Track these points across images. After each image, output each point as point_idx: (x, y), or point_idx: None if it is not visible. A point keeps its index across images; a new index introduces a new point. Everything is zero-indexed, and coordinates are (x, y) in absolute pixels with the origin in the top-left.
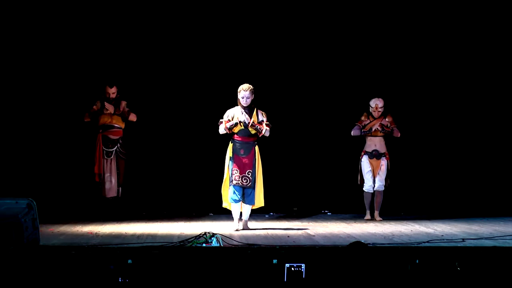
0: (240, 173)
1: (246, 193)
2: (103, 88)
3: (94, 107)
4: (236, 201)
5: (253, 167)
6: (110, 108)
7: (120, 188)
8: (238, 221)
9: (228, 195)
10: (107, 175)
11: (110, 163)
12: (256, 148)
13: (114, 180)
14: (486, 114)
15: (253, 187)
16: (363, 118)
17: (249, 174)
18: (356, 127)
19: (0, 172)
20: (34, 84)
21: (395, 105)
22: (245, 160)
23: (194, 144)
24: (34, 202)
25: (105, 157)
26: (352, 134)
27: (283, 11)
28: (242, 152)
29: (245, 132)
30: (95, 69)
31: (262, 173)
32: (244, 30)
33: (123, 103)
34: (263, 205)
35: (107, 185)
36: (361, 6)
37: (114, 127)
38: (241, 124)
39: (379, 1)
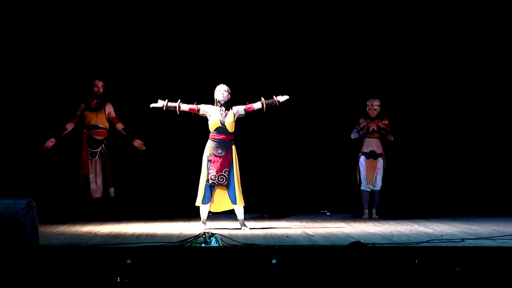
0: (217, 172)
1: (231, 196)
2: (90, 83)
3: (78, 112)
4: (206, 202)
5: (230, 165)
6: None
7: (112, 189)
8: (205, 220)
9: (201, 195)
10: (91, 176)
11: (95, 164)
12: (233, 147)
13: (99, 181)
14: (485, 113)
15: (229, 185)
16: (361, 120)
17: (225, 173)
18: (355, 130)
19: (0, 172)
20: (33, 84)
21: (393, 105)
22: (222, 159)
23: (194, 143)
24: (33, 202)
25: (90, 157)
26: (352, 137)
27: (280, 11)
28: (219, 151)
29: (222, 130)
30: (88, 70)
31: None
32: (237, 29)
33: (110, 106)
34: (243, 204)
35: (92, 186)
36: (360, 10)
37: (98, 127)
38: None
39: (378, 4)
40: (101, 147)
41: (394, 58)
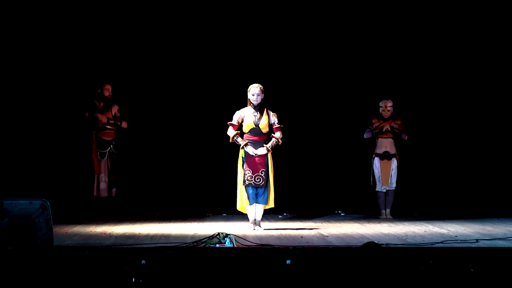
0: (253, 173)
1: (259, 193)
2: (98, 87)
3: (86, 113)
4: (251, 203)
5: (265, 165)
6: (103, 119)
7: (114, 189)
8: (254, 221)
9: (243, 197)
10: (102, 175)
11: (105, 164)
12: None
13: (108, 180)
14: (500, 114)
15: (266, 186)
16: (374, 121)
17: (262, 173)
18: (368, 130)
19: (15, 173)
20: (44, 87)
21: (405, 106)
22: (258, 159)
23: (208, 144)
24: (48, 203)
25: (99, 158)
26: (365, 137)
27: (294, 14)
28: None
29: (256, 131)
30: (92, 70)
31: (274, 174)
32: (250, 30)
33: (115, 107)
34: (273, 206)
35: (102, 185)
36: (372, 11)
37: (106, 128)
38: (246, 145)
39: (390, 5)
40: (109, 148)
41: (406, 58)
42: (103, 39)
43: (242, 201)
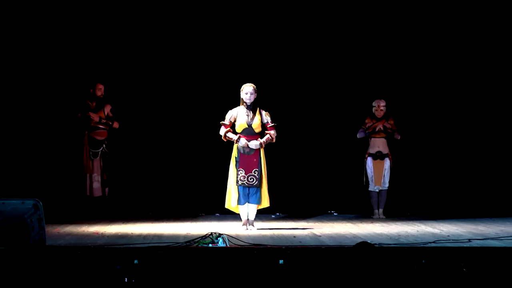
0: (246, 173)
1: (251, 192)
2: (91, 86)
3: (79, 113)
4: (242, 202)
5: (259, 165)
6: (95, 118)
7: (107, 189)
8: (246, 221)
9: (232, 197)
10: (94, 175)
11: (97, 164)
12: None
13: (100, 180)
14: (493, 114)
15: (259, 186)
16: (367, 121)
17: (255, 173)
18: (361, 129)
19: (7, 173)
20: (36, 87)
21: (398, 105)
22: (251, 159)
23: (201, 143)
24: (40, 203)
25: (92, 157)
26: (358, 137)
27: (287, 13)
28: (247, 151)
29: (249, 131)
30: (84, 70)
31: (267, 173)
32: (243, 30)
33: (108, 107)
34: (268, 205)
35: (95, 185)
36: (367, 10)
37: (99, 128)
38: (238, 140)
39: (383, 5)
40: (102, 147)
41: (399, 58)
42: (96, 39)
43: (231, 200)
